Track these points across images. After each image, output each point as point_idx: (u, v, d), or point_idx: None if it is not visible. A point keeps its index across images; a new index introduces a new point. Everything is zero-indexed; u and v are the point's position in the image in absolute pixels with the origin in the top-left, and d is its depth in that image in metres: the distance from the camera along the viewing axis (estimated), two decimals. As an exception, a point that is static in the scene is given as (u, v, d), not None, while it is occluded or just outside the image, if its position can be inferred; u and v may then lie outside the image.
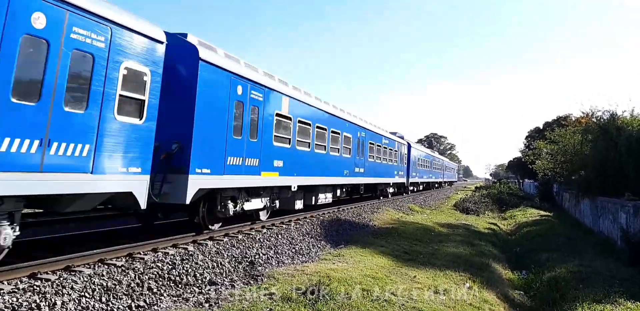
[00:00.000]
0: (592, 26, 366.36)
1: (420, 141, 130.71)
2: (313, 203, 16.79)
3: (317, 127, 16.27)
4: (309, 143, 15.55)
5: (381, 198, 28.50)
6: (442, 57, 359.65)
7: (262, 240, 11.06)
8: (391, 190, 30.87)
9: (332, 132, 17.92)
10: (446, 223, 22.84)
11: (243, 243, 10.34)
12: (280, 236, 11.89)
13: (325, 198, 17.84)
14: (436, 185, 56.99)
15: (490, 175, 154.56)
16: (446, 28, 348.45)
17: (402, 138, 34.00)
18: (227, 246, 9.85)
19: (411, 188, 38.10)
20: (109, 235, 9.80)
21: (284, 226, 13.47)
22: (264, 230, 12.33)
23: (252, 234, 11.55)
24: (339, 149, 18.74)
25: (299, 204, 15.45)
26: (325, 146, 17.15)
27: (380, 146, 25.99)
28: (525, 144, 55.89)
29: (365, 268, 10.22)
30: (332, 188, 18.89)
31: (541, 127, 53.52)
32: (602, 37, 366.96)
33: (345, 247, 12.71)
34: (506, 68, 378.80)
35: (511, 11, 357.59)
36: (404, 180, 33.09)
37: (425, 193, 44.35)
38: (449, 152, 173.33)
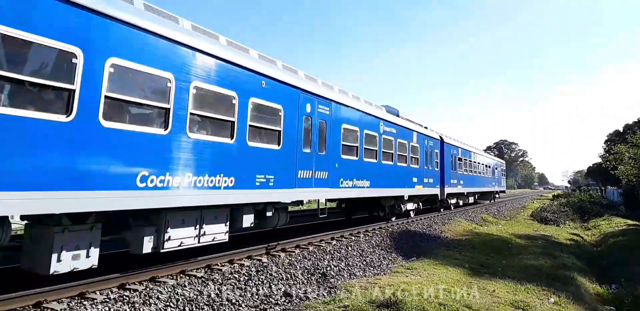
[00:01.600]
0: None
1: (488, 148, 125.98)
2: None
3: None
4: (405, 158, 17.97)
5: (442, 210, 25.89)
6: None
7: (332, 251, 11.09)
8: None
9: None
10: (523, 234, 21.71)
11: (314, 255, 10.41)
12: (350, 248, 11.85)
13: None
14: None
15: (569, 182, 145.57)
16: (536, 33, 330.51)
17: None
18: (299, 258, 9.96)
19: None
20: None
21: (353, 237, 13.42)
22: (334, 242, 12.36)
23: (322, 246, 11.61)
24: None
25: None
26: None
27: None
28: (605, 149, 52.73)
29: (440, 281, 9.93)
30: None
31: (621, 129, 50.25)
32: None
33: (417, 260, 12.44)
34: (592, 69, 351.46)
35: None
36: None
37: (499, 202, 42.32)
38: (520, 159, 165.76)
